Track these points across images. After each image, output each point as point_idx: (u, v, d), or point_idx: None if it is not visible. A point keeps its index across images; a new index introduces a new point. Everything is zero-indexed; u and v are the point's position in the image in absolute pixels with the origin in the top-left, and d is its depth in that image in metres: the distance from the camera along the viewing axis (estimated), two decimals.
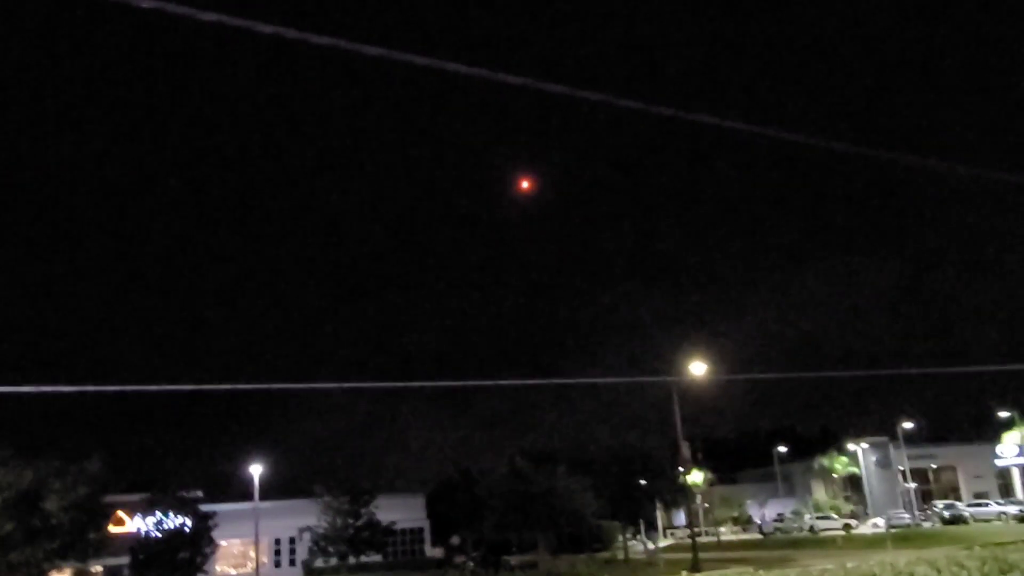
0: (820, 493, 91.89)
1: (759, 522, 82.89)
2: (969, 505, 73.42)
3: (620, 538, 65.96)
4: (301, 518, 62.29)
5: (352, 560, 59.95)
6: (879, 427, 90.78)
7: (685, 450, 49.72)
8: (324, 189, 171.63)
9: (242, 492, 65.78)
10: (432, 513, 77.87)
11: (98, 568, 60.57)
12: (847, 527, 69.21)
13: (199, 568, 55.73)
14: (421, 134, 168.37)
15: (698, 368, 40.70)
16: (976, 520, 66.73)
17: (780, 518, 79.07)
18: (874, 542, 51.72)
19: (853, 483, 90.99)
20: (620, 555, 61.40)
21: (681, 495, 60.53)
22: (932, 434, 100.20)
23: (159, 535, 55.09)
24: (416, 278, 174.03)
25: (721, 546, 65.42)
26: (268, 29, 6.96)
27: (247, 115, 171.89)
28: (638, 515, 68.37)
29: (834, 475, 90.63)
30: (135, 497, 60.06)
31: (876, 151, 13.78)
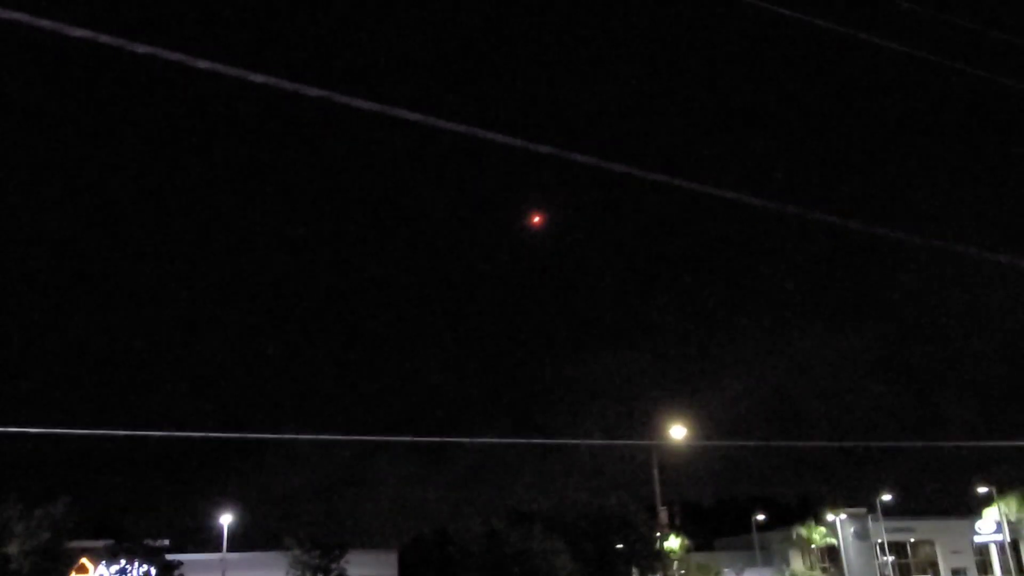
0: (797, 563, 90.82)
1: None
2: None
3: None
4: (269, 571, 60.77)
5: None
6: (857, 497, 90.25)
7: (663, 515, 49.16)
8: (302, 233, 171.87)
9: (210, 542, 64.35)
10: (404, 571, 76.23)
11: None
12: None
13: None
14: (418, 182, 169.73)
15: (678, 433, 40.55)
16: None
17: None
18: None
19: (831, 554, 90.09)
20: None
21: (658, 561, 59.73)
22: (910, 506, 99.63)
23: None
24: (396, 329, 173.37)
25: None
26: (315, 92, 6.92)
27: (235, 165, 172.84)
28: None
29: (812, 545, 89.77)
30: (99, 543, 58.44)
31: (857, 223, 13.96)
